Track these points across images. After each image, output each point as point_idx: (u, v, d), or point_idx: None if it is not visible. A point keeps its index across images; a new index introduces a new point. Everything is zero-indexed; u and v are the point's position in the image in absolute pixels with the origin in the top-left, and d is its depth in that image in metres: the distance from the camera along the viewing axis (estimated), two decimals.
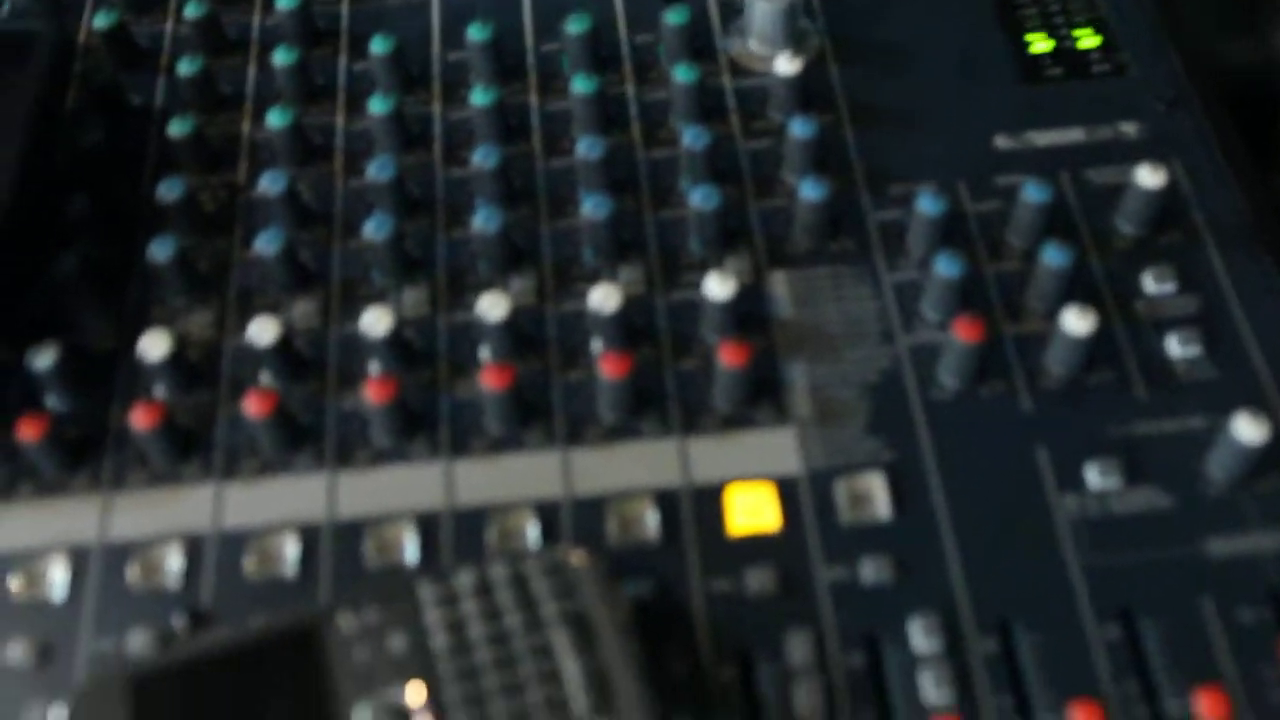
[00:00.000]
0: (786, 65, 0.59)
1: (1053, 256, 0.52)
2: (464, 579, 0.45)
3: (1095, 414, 0.51)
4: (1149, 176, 0.54)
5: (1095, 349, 0.51)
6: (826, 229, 0.55)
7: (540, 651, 0.44)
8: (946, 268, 0.52)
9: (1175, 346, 0.52)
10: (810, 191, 0.54)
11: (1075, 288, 0.53)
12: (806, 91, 0.60)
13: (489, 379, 0.50)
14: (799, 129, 0.56)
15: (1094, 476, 0.49)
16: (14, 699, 0.46)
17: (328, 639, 0.44)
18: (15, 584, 0.49)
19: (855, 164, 0.58)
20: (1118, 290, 0.54)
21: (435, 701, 0.43)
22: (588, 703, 0.42)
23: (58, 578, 0.49)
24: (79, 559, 0.49)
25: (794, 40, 0.62)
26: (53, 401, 0.52)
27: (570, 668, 0.43)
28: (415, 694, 0.43)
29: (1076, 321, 0.50)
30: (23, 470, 0.51)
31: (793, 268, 0.55)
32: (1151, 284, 0.54)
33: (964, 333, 0.50)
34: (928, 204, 0.54)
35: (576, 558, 0.45)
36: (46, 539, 0.50)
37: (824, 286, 0.55)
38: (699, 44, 0.63)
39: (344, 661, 0.44)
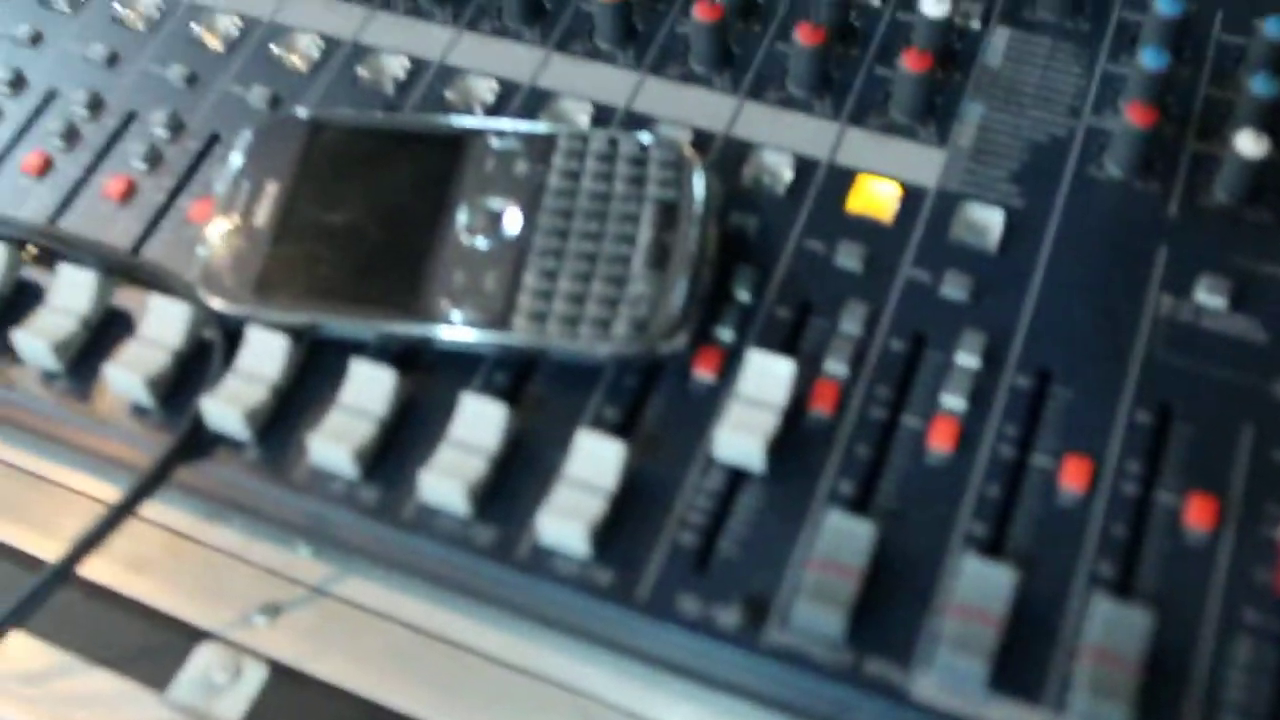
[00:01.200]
0: None
1: (1260, 84, 0.52)
2: (597, 141, 0.51)
3: (1233, 241, 0.51)
4: None
5: (1267, 187, 0.51)
6: (1070, 6, 0.57)
7: (629, 217, 0.49)
8: (1151, 59, 0.52)
9: None
10: None
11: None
12: None
13: (701, 11, 0.55)
14: None
15: (1202, 291, 0.50)
16: None
17: (471, 147, 0.52)
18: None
19: None
20: None
21: (528, 220, 0.50)
22: (644, 261, 0.48)
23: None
24: (330, 45, 0.58)
25: None
26: None
27: (644, 236, 0.49)
28: (513, 210, 0.50)
29: (1249, 143, 0.50)
30: None
31: (1019, 29, 0.57)
32: None
33: (1136, 116, 0.51)
34: (1166, 5, 0.54)
35: (694, 157, 0.51)
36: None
37: (1040, 53, 0.56)
38: None
39: (475, 168, 0.51)
